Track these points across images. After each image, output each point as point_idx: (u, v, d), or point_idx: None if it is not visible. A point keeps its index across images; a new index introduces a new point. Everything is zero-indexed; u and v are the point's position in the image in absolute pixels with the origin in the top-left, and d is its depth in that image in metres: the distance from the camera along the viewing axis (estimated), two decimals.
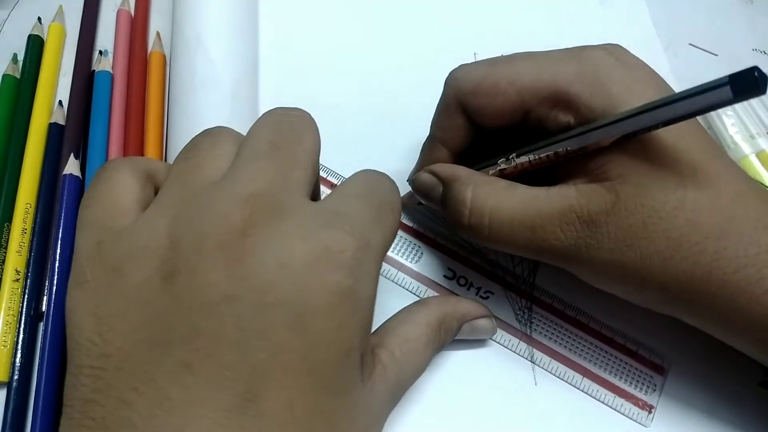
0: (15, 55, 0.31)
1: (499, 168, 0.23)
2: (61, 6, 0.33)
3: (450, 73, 0.25)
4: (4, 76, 0.31)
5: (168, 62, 0.32)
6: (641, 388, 0.25)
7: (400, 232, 0.28)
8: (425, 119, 0.30)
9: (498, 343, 0.26)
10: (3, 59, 0.31)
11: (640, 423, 0.25)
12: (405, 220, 0.28)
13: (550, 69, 0.22)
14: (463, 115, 0.24)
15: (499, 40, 0.34)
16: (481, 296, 0.26)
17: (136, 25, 0.33)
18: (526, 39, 0.34)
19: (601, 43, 0.23)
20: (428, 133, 0.26)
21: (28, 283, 0.26)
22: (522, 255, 0.23)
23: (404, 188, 0.28)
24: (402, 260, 0.27)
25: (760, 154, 0.31)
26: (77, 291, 0.17)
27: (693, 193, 0.20)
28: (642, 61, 0.23)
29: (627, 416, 0.25)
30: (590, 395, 0.25)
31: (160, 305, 0.16)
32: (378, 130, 0.30)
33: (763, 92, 0.17)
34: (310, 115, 0.20)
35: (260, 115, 0.20)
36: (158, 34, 0.32)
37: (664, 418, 0.25)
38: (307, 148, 0.19)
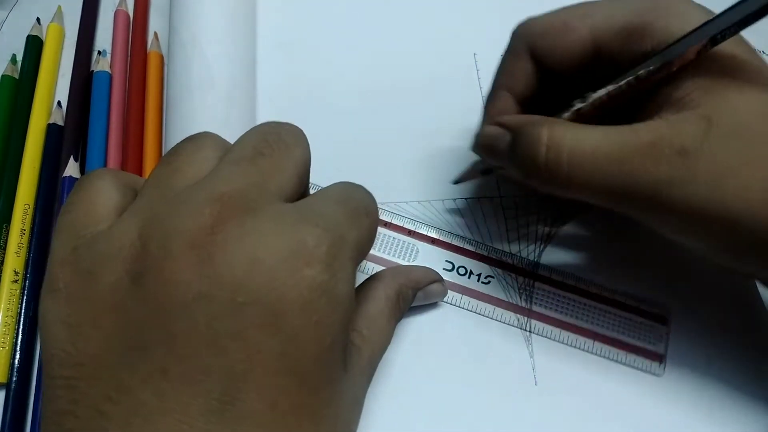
0: (14, 56, 0.31)
1: (574, 108, 0.22)
2: (60, 6, 0.33)
3: (519, 23, 0.24)
4: (2, 76, 0.31)
5: (166, 62, 0.32)
6: (649, 340, 0.26)
7: (392, 234, 0.28)
8: (424, 119, 0.31)
9: (502, 322, 0.26)
10: (2, 60, 0.31)
11: (654, 374, 0.25)
12: (395, 221, 0.28)
13: (623, 5, 0.22)
14: (532, 59, 0.23)
15: (499, 41, 0.33)
16: (482, 282, 0.27)
17: (135, 26, 0.33)
18: None
19: None
20: (492, 85, 0.25)
21: (26, 284, 0.26)
22: (601, 200, 0.21)
23: (404, 188, 0.28)
24: (399, 260, 0.27)
25: None
26: (49, 299, 0.16)
27: None
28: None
29: (641, 369, 0.25)
30: (603, 356, 0.25)
31: (131, 309, 0.15)
32: (377, 131, 0.30)
33: None
34: (301, 130, 0.20)
35: (258, 120, 0.20)
36: (156, 34, 0.32)
37: (676, 365, 0.25)
38: (294, 158, 0.18)
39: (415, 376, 0.25)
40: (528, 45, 0.23)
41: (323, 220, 0.17)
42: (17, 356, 0.24)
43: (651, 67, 0.20)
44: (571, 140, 0.20)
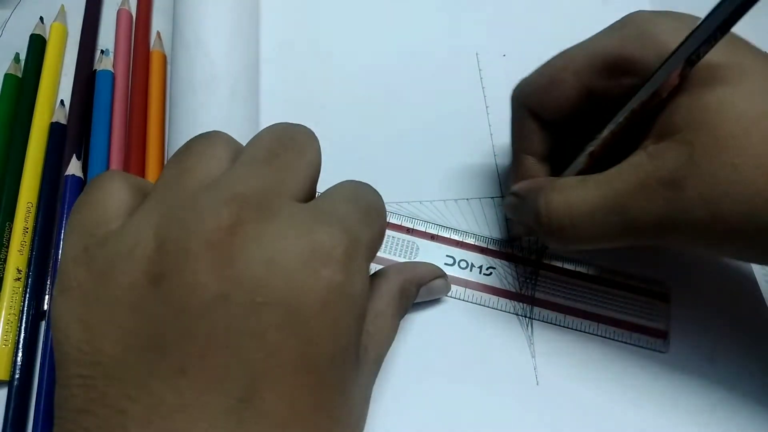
0: (17, 55, 0.32)
1: (587, 152, 0.23)
2: (63, 6, 0.33)
3: (514, 88, 0.25)
4: (6, 75, 0.31)
5: (168, 61, 0.32)
6: (651, 318, 0.26)
7: (391, 232, 0.28)
8: (426, 118, 0.31)
9: (505, 311, 0.26)
10: (5, 59, 0.31)
11: (659, 350, 0.26)
12: (393, 219, 0.28)
13: (597, 43, 0.22)
14: (534, 118, 0.24)
15: (502, 41, 0.34)
16: (484, 274, 0.27)
17: (138, 25, 0.33)
18: (528, 39, 0.34)
19: None
20: (511, 152, 0.26)
21: (29, 282, 0.26)
22: (618, 245, 0.21)
23: (405, 188, 0.28)
24: (399, 259, 0.27)
25: None
26: (63, 298, 0.16)
27: None
28: (674, 11, 0.22)
29: (646, 347, 0.26)
30: (608, 337, 0.26)
31: (149, 309, 0.15)
32: (378, 130, 0.30)
33: None
34: (313, 132, 0.20)
35: (262, 119, 0.20)
36: (158, 33, 0.32)
37: (680, 340, 0.26)
38: (307, 159, 0.19)
39: (417, 373, 0.25)
40: (525, 107, 0.24)
41: (339, 221, 0.17)
42: (19, 354, 0.24)
43: (641, 99, 0.20)
44: (569, 204, 0.21)
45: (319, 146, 0.19)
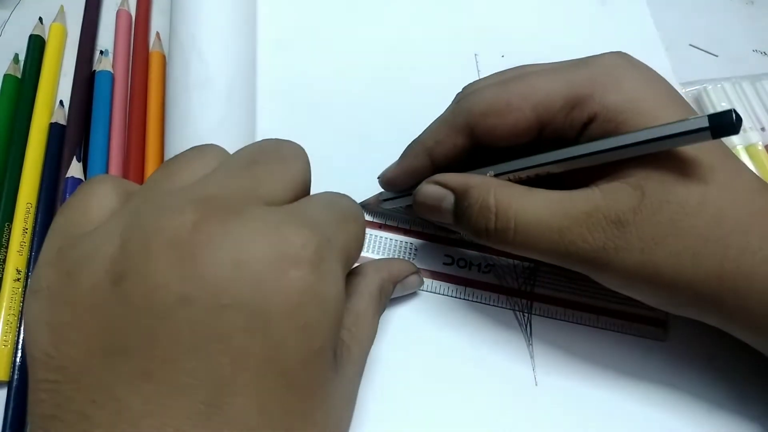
0: (16, 55, 0.32)
1: (488, 175, 0.23)
2: (62, 6, 0.33)
3: (459, 95, 0.25)
4: (5, 76, 0.31)
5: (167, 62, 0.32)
6: (649, 307, 0.26)
7: (389, 235, 0.28)
8: (424, 118, 0.31)
9: (504, 308, 0.26)
10: (4, 59, 0.31)
11: (658, 339, 0.26)
12: (389, 221, 0.28)
13: (562, 78, 0.22)
14: (468, 137, 0.23)
15: (500, 41, 0.34)
16: (483, 271, 0.27)
17: (138, 25, 0.33)
18: (527, 40, 0.34)
19: (602, 43, 0.23)
20: (417, 138, 0.26)
21: (28, 282, 0.26)
22: (546, 260, 0.22)
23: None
24: None
25: (749, 147, 0.31)
26: (33, 300, 0.16)
27: (714, 190, 0.20)
28: (647, 65, 0.23)
29: (645, 337, 0.26)
30: (608, 329, 0.26)
31: (112, 310, 0.15)
32: (376, 131, 0.30)
33: (737, 132, 0.19)
34: (302, 147, 0.19)
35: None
36: (158, 34, 0.32)
37: (679, 328, 0.26)
38: (289, 170, 0.18)
39: (413, 372, 0.25)
40: (468, 123, 0.23)
41: (310, 222, 0.16)
42: (19, 354, 0.24)
43: (550, 171, 0.22)
44: (516, 210, 0.22)
45: (308, 162, 0.19)
